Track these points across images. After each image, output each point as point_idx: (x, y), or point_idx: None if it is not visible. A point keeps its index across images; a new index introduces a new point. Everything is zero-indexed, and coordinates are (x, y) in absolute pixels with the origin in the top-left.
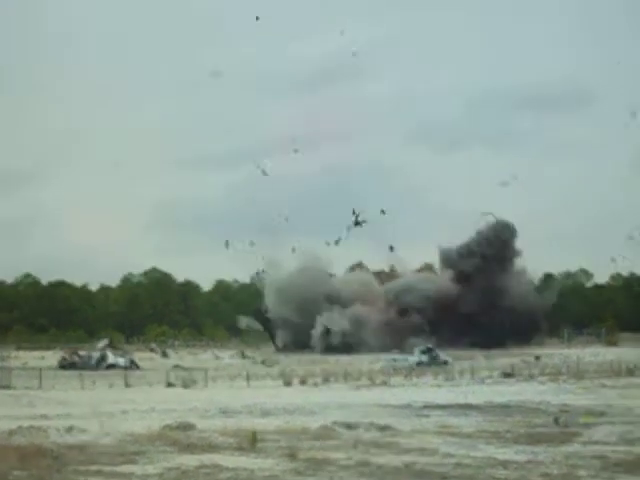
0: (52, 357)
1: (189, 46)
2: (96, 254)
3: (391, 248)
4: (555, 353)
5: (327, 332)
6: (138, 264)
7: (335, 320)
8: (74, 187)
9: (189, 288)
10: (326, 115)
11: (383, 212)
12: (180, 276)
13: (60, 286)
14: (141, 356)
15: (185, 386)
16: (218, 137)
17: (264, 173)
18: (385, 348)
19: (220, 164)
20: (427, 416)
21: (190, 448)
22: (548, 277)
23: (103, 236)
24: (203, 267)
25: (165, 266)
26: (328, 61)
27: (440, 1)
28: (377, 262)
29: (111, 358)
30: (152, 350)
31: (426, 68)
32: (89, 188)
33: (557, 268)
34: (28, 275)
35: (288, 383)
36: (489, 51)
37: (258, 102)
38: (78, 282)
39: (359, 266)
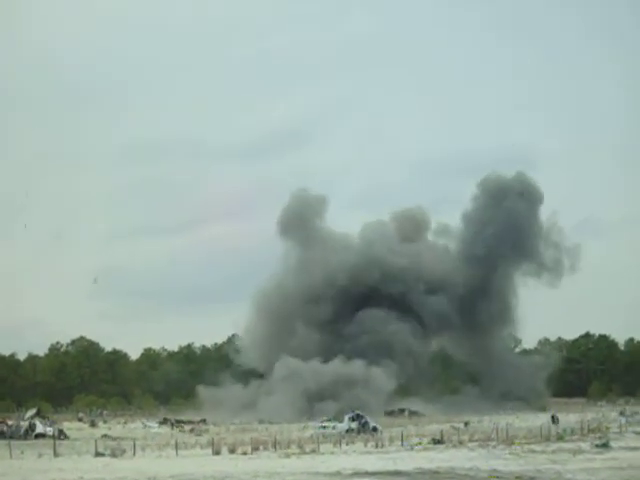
0: None
1: (124, 114)
2: (24, 323)
3: None
4: (484, 419)
5: None
6: (66, 333)
7: None
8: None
9: (117, 357)
10: (265, 184)
11: None
12: (108, 345)
13: None
14: (69, 425)
15: (114, 455)
16: (154, 206)
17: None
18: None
19: (155, 233)
20: None
21: None
22: None
23: (31, 305)
24: (131, 336)
25: (93, 335)
26: (272, 130)
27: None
28: None
29: (39, 427)
30: (80, 419)
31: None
32: (19, 257)
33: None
34: None
35: (217, 452)
36: (434, 117)
37: (199, 170)
38: (5, 351)
39: None
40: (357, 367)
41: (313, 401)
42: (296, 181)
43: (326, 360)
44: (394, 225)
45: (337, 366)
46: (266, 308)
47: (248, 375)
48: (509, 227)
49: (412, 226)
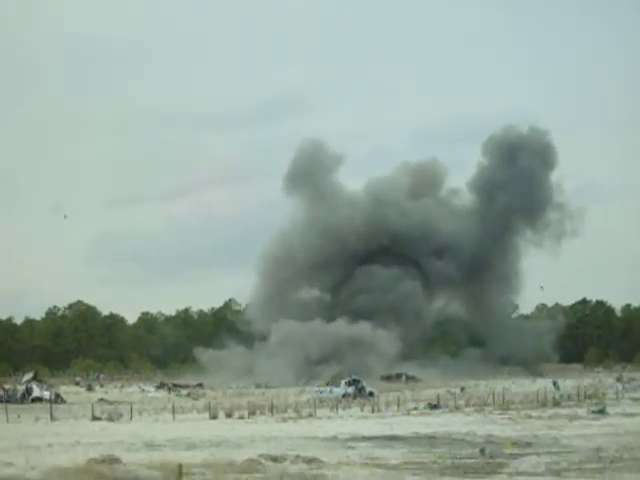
0: None
1: (123, 81)
2: (21, 287)
3: None
4: (481, 384)
5: None
6: (63, 298)
7: None
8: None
9: (114, 321)
10: (264, 151)
11: None
12: (105, 309)
13: None
14: (66, 390)
15: (111, 419)
16: (153, 172)
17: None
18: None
19: (154, 199)
20: (353, 448)
21: None
22: None
23: (29, 269)
24: (128, 300)
25: (90, 300)
26: (272, 97)
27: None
28: None
29: (36, 391)
30: (77, 384)
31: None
32: (20, 223)
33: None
34: None
35: (214, 416)
36: (435, 83)
37: (198, 137)
38: (2, 315)
39: None
40: (360, 329)
41: (313, 364)
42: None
43: (330, 322)
44: (406, 180)
45: (339, 327)
46: (270, 269)
47: (249, 339)
48: (521, 188)
49: (426, 180)
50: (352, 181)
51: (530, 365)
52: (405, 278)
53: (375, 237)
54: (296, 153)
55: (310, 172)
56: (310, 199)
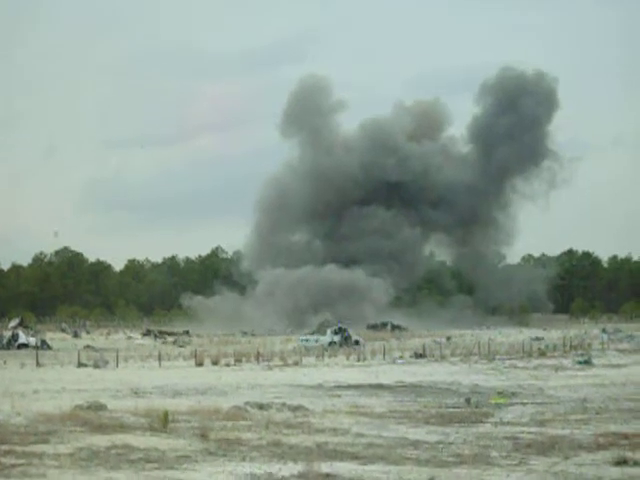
0: None
1: (119, 24)
2: (9, 232)
3: None
4: (467, 334)
5: None
6: (51, 244)
7: None
8: None
9: (101, 268)
10: (258, 98)
11: None
12: (92, 256)
13: None
14: (52, 336)
15: (96, 366)
16: (149, 117)
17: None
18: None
19: (148, 145)
20: (339, 396)
21: (101, 428)
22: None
23: (18, 215)
24: (116, 247)
25: (78, 247)
26: (269, 43)
27: None
28: None
29: (22, 338)
30: (63, 330)
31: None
32: (11, 166)
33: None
34: None
35: (200, 363)
36: (429, 33)
37: (195, 82)
38: None
39: None
40: (351, 275)
41: (302, 312)
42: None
43: (321, 267)
44: (405, 121)
45: (329, 274)
46: (263, 213)
47: (237, 286)
48: (518, 135)
49: (426, 122)
50: (349, 128)
51: (517, 315)
52: (403, 224)
53: (371, 181)
54: (296, 87)
55: (309, 109)
56: (306, 140)
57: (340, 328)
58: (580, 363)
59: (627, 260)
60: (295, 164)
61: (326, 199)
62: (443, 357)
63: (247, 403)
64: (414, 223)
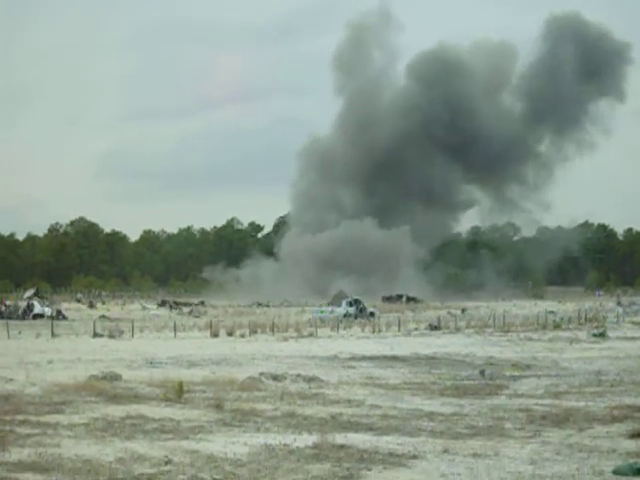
0: None
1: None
2: (24, 203)
3: None
4: (482, 306)
5: None
6: (67, 214)
7: None
8: (8, 138)
9: (116, 238)
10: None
11: None
12: (107, 226)
13: None
14: (68, 306)
15: (112, 336)
16: (169, 89)
17: None
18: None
19: (166, 116)
20: (354, 368)
21: (116, 398)
22: (475, 229)
23: (34, 186)
24: (132, 218)
25: (94, 217)
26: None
27: None
28: None
29: (38, 308)
30: (79, 300)
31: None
32: (28, 139)
33: (485, 222)
34: None
35: (215, 334)
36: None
37: (212, 52)
38: (5, 231)
39: None
40: (373, 229)
41: (325, 276)
42: (306, 68)
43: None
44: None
45: (365, 232)
46: (309, 170)
47: (256, 257)
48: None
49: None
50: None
51: (532, 287)
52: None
53: (413, 125)
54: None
55: (363, 43)
56: (353, 86)
57: (355, 300)
58: (595, 336)
59: None
60: (340, 121)
61: (372, 151)
62: (458, 329)
63: (262, 374)
64: (453, 170)
